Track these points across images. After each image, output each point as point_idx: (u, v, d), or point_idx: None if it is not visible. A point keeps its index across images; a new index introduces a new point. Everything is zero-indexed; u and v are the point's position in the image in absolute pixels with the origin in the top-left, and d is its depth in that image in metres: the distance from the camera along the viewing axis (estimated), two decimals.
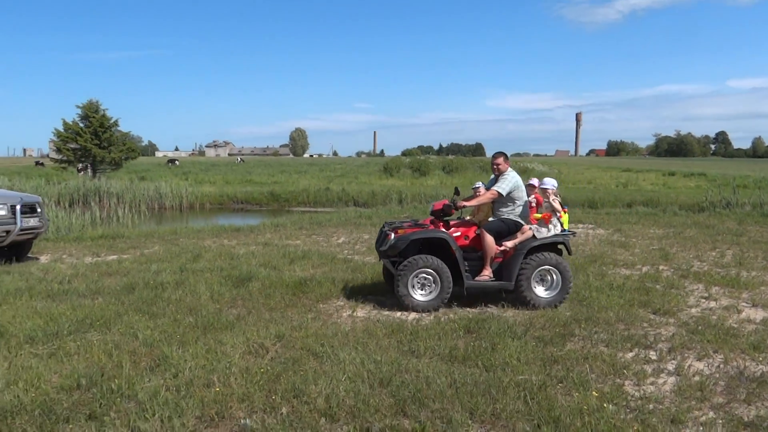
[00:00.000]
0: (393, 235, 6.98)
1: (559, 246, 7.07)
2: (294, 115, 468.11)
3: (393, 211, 20.17)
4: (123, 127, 41.65)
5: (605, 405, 4.00)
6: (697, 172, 49.67)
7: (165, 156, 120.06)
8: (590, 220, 16.45)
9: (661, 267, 9.31)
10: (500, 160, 7.16)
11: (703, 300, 7.27)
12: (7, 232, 9.58)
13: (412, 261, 6.70)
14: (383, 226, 7.43)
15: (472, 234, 7.04)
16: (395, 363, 4.74)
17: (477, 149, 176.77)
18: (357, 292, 7.54)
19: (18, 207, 9.80)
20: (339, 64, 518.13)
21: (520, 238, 6.88)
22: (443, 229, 6.96)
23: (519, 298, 6.83)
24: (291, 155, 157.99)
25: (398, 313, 6.61)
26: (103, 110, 39.83)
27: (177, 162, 72.28)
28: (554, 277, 6.83)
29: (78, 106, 39.54)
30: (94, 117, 39.02)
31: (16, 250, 10.40)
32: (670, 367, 4.92)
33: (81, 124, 39.31)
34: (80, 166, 41.76)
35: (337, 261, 9.83)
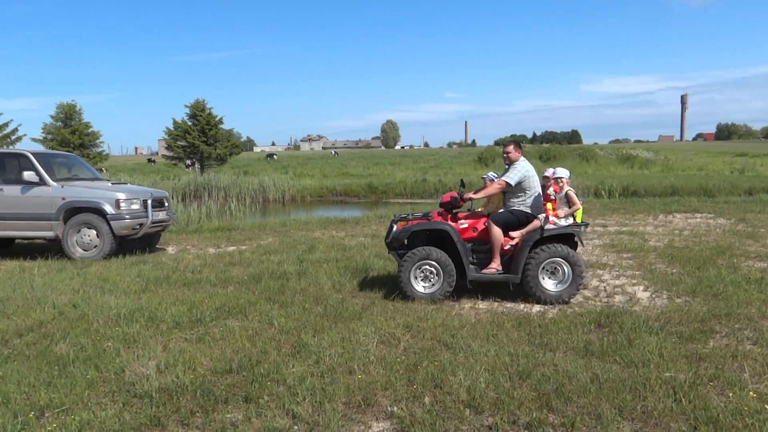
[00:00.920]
0: (395, 227, 7.03)
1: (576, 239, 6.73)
2: (385, 107, 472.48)
3: None
4: (226, 125, 43.61)
5: (767, 406, 3.76)
6: None
7: (263, 151, 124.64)
8: (708, 210, 15.51)
9: None
10: (510, 148, 7.02)
11: None
12: (141, 224, 10.31)
13: (415, 252, 6.69)
14: (393, 219, 7.36)
15: (481, 226, 6.89)
16: (531, 356, 4.68)
17: (573, 136, 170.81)
18: (475, 284, 7.50)
19: (149, 201, 10.51)
20: (429, 54, 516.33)
21: (526, 229, 6.68)
22: (446, 221, 6.87)
23: (527, 291, 6.61)
24: (383, 147, 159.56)
25: (521, 305, 6.53)
26: (209, 109, 41.96)
27: (275, 156, 74.82)
28: (565, 269, 6.55)
29: (186, 106, 41.89)
30: (201, 115, 41.19)
31: (147, 242, 11.17)
32: None
33: (189, 123, 41.62)
34: (188, 162, 44.23)
35: None
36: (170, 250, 11.48)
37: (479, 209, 7.62)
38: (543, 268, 6.57)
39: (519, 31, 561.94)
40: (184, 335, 5.42)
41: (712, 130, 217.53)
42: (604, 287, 7.33)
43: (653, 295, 6.81)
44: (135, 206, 10.27)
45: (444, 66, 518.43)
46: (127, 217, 10.09)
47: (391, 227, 7.19)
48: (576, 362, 4.58)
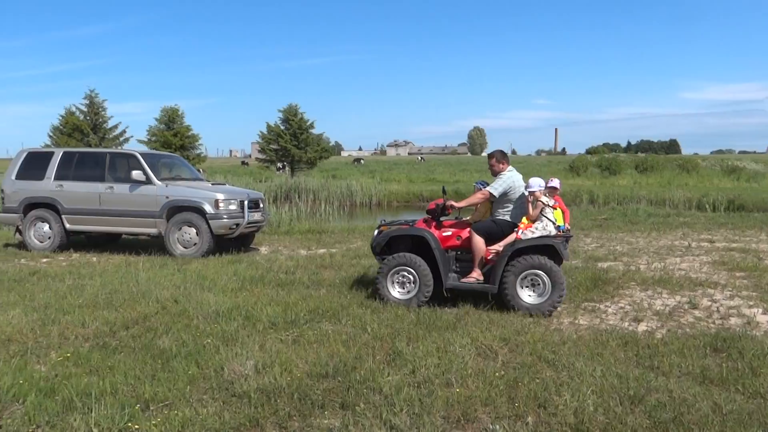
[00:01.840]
0: (376, 232, 7.13)
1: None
2: (471, 113, 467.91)
3: (590, 212, 19.11)
4: (316, 130, 44.58)
5: None
6: None
7: (350, 155, 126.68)
8: None
9: None
10: (492, 161, 7.04)
11: None
12: (237, 224, 10.61)
13: (393, 258, 6.77)
14: (378, 224, 7.41)
15: (465, 234, 6.81)
16: (641, 380, 4.36)
17: (671, 146, 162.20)
18: (572, 298, 7.16)
19: (246, 202, 10.81)
20: (518, 60, 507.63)
21: (506, 240, 6.58)
22: (426, 228, 6.87)
23: (505, 303, 6.45)
24: (469, 154, 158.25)
25: (625, 323, 6.14)
26: (301, 113, 43.02)
27: (362, 161, 75.82)
28: (545, 281, 6.34)
29: (279, 110, 43.16)
30: (293, 120, 42.30)
31: (242, 241, 11.49)
32: None
33: (282, 127, 42.86)
34: (279, 165, 45.55)
35: None
36: (263, 250, 11.75)
37: (467, 218, 7.46)
38: (522, 279, 6.42)
39: (613, 35, 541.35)
40: (280, 336, 5.46)
41: None
42: (717, 308, 6.80)
43: None
44: (232, 206, 10.58)
45: (534, 72, 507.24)
46: (225, 216, 10.41)
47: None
48: (693, 389, 4.21)
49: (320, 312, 6.24)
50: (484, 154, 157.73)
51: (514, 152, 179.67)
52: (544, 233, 6.48)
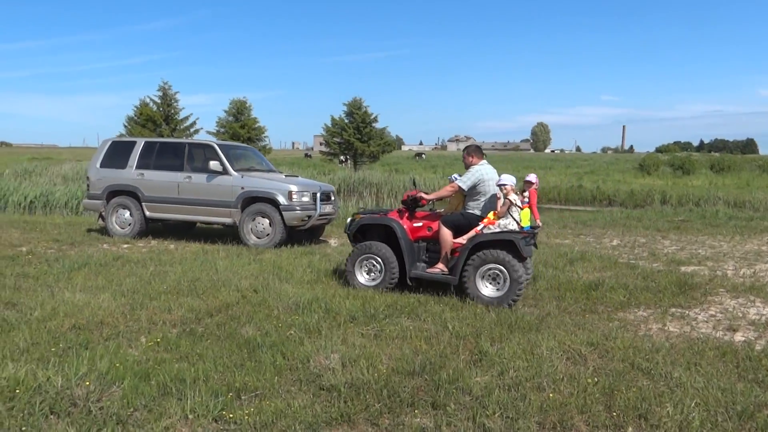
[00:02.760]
0: (349, 220, 7.48)
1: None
2: (535, 109, 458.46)
3: (665, 213, 18.37)
4: (380, 123, 44.74)
5: None
6: None
7: (411, 150, 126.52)
8: None
9: None
10: (464, 154, 7.33)
11: None
12: (309, 216, 10.71)
13: (362, 246, 7.14)
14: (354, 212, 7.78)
15: (436, 226, 7.01)
16: (748, 394, 4.09)
17: (747, 145, 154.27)
18: (658, 302, 6.86)
19: (318, 195, 10.89)
20: (585, 55, 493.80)
21: (470, 234, 6.69)
22: (396, 218, 7.10)
23: (465, 294, 6.58)
24: (532, 150, 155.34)
25: (719, 333, 5.82)
26: (365, 107, 43.26)
27: (424, 156, 75.63)
28: (504, 275, 6.46)
29: (344, 104, 43.54)
30: (357, 113, 42.60)
31: (312, 233, 11.60)
32: None
33: (346, 120, 43.23)
34: (342, 158, 45.98)
35: (621, 266, 9.12)
36: (332, 242, 11.83)
37: (441, 210, 7.65)
38: (482, 272, 6.55)
39: (686, 30, 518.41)
40: (361, 330, 5.44)
41: None
42: None
43: None
44: (305, 198, 10.68)
45: (601, 67, 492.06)
46: (297, 208, 10.52)
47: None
48: None
49: (398, 307, 6.18)
50: (548, 150, 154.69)
51: (578, 149, 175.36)
52: (503, 227, 6.57)
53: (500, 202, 6.69)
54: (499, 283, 6.51)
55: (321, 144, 48.37)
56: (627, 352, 4.94)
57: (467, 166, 7.14)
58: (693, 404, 3.88)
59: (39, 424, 3.53)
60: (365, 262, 7.12)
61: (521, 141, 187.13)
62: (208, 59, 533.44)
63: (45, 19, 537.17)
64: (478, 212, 6.92)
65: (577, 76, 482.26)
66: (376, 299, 6.43)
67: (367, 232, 7.38)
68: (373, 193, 29.24)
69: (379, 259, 7.00)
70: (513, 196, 6.62)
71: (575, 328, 5.67)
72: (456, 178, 7.36)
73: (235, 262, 8.65)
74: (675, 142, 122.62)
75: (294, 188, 10.59)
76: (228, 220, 10.91)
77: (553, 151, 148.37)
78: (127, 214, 11.42)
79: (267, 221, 10.57)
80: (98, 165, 11.76)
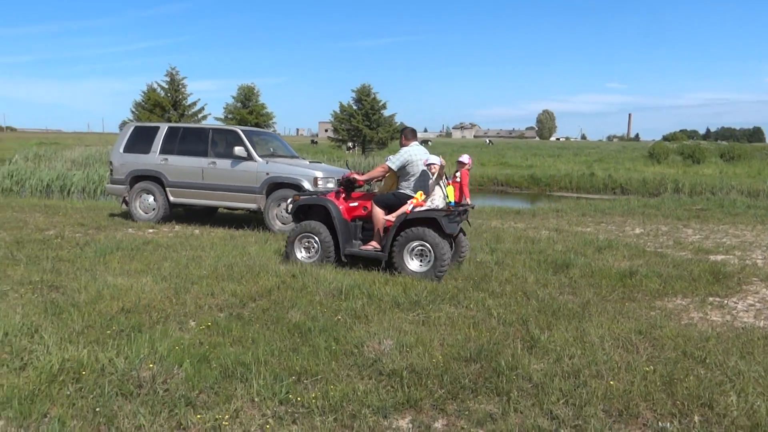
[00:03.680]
0: (289, 200, 7.93)
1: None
2: (540, 96, 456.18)
3: (683, 201, 18.31)
4: (388, 110, 44.59)
5: None
6: None
7: None
8: None
9: None
10: (401, 136, 7.70)
11: None
12: None
13: (300, 225, 7.55)
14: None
15: (370, 206, 7.38)
16: None
17: (754, 134, 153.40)
18: (694, 290, 6.86)
19: None
20: (589, 41, 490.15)
21: (397, 212, 7.08)
22: (330, 199, 7.50)
23: (394, 269, 7.00)
24: (537, 138, 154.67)
25: (761, 322, 5.82)
26: (374, 94, 43.12)
27: (430, 143, 75.30)
28: (429, 251, 6.88)
29: (353, 90, 43.41)
30: (366, 100, 42.46)
31: None
32: None
33: (354, 107, 43.10)
34: (350, 144, 45.93)
35: (649, 254, 9.11)
36: None
37: (377, 191, 7.98)
38: (409, 249, 6.98)
39: (691, 16, 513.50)
40: (407, 316, 5.44)
41: None
42: None
43: None
44: (330, 185, 10.65)
45: (606, 54, 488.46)
46: None
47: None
48: None
49: (439, 294, 6.19)
50: (553, 138, 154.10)
51: (584, 137, 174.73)
52: (432, 207, 6.96)
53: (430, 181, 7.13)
54: (425, 259, 6.94)
55: (326, 131, 48.43)
56: (677, 340, 4.95)
57: (402, 147, 7.50)
58: (756, 393, 3.89)
59: (110, 405, 3.55)
60: (304, 240, 7.52)
61: (526, 128, 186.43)
62: (213, 45, 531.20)
63: (49, 3, 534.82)
64: (409, 192, 7.29)
65: (582, 63, 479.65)
66: (416, 285, 6.44)
67: (309, 212, 7.76)
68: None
69: (316, 238, 7.40)
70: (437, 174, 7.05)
71: (618, 315, 5.67)
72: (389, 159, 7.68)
73: (265, 248, 8.66)
74: (681, 131, 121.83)
75: (319, 174, 10.57)
76: (252, 206, 10.91)
77: (558, 139, 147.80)
78: (151, 199, 11.43)
79: None
80: (121, 150, 11.74)
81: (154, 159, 11.40)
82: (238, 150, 10.75)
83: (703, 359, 4.54)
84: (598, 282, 7.10)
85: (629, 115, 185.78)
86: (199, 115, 43.97)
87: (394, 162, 7.34)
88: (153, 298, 5.73)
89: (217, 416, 3.48)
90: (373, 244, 7.28)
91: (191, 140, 11.42)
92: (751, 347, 4.86)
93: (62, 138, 73.03)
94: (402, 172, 7.36)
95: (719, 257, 9.10)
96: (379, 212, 7.21)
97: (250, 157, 10.84)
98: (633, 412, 3.67)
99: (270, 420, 3.50)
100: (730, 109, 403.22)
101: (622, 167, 37.19)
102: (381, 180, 7.93)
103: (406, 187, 7.34)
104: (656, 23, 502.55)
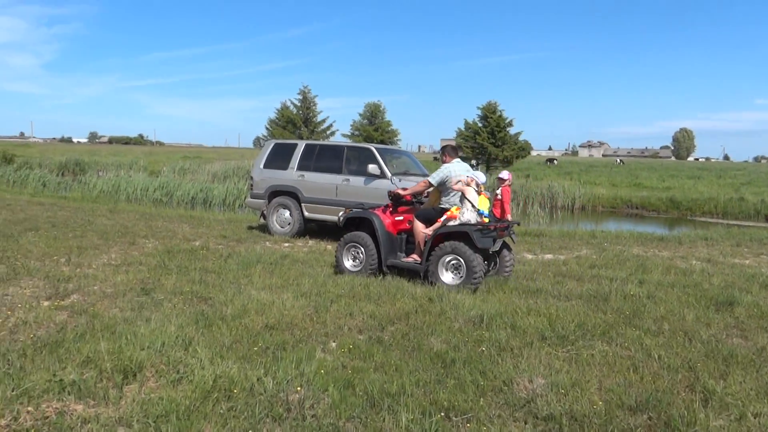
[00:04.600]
0: (341, 213, 8.43)
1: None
2: (676, 114, 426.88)
3: None
4: (514, 128, 43.60)
5: None
6: None
7: (539, 155, 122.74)
8: None
9: None
10: (443, 153, 7.97)
11: None
12: None
13: (348, 235, 7.95)
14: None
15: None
16: None
17: None
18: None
19: None
20: (734, 55, 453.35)
21: (433, 226, 7.44)
22: (375, 212, 7.94)
23: (429, 280, 7.28)
24: (673, 158, 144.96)
25: None
26: (500, 111, 42.44)
27: (555, 161, 72.95)
28: (461, 264, 7.10)
29: (478, 107, 43.01)
30: (491, 117, 41.87)
31: None
32: None
33: (479, 124, 42.65)
34: (473, 162, 45.45)
35: None
36: None
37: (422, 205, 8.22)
38: (443, 262, 7.25)
39: None
40: (555, 352, 5.06)
41: None
42: None
43: None
44: None
45: (753, 68, 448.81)
46: None
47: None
48: None
49: (588, 328, 5.73)
50: (692, 158, 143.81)
51: (727, 158, 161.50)
52: (463, 221, 7.27)
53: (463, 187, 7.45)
54: (459, 272, 7.18)
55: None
56: None
57: (443, 164, 7.87)
58: None
59: (261, 428, 3.53)
60: (351, 249, 7.95)
61: (661, 148, 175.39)
62: (339, 65, 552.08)
63: (197, 30, 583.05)
64: (447, 206, 7.61)
65: (726, 78, 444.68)
66: (560, 317, 6.02)
67: (360, 224, 8.12)
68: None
69: (361, 248, 7.77)
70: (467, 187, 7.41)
71: None
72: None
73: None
74: None
75: None
76: None
77: (697, 159, 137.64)
78: (287, 213, 11.81)
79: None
80: (262, 166, 12.26)
81: (291, 175, 11.78)
82: (372, 168, 10.83)
83: None
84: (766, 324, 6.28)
85: None
86: (328, 132, 45.63)
87: (434, 177, 7.70)
88: (294, 315, 5.78)
89: None
90: (414, 257, 7.67)
91: (327, 157, 11.69)
92: None
93: (203, 152, 78.80)
94: (442, 188, 7.71)
95: None
96: (419, 226, 7.60)
97: (383, 175, 10.88)
98: None
99: None
100: None
101: None
102: (427, 195, 8.27)
103: (446, 202, 7.68)
104: None
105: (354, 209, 8.34)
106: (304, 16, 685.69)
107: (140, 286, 6.79)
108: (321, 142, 12.76)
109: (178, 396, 3.81)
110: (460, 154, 8.13)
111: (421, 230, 7.54)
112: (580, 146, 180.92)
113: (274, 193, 11.99)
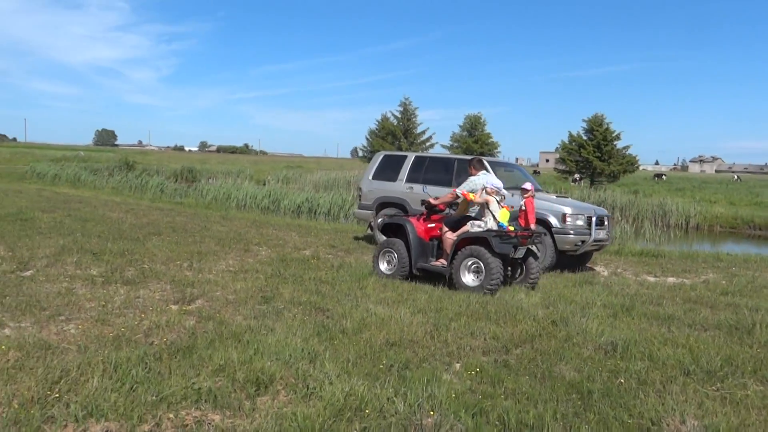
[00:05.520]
0: (380, 219, 9.32)
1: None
2: None
3: None
4: (622, 141, 41.60)
5: None
6: None
7: (645, 169, 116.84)
8: None
9: None
10: (470, 166, 8.81)
11: None
12: (582, 242, 9.95)
13: (383, 241, 8.60)
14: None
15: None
16: None
17: None
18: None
19: (593, 219, 10.08)
20: None
21: (458, 232, 7.95)
22: (408, 220, 8.56)
23: (452, 282, 7.79)
24: None
25: None
26: (607, 124, 40.74)
27: (664, 177, 69.17)
28: (481, 267, 7.53)
29: (584, 120, 41.51)
30: (597, 130, 40.27)
31: (579, 259, 10.79)
32: None
33: (584, 137, 41.13)
34: (576, 176, 43.81)
35: None
36: (599, 270, 10.90)
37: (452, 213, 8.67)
38: (465, 265, 7.74)
39: None
40: (704, 390, 4.59)
41: None
42: None
43: None
44: (579, 222, 9.97)
45: None
46: (571, 232, 9.85)
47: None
48: None
49: (737, 364, 5.19)
50: None
51: None
52: (485, 227, 7.76)
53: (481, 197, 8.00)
54: (479, 275, 7.60)
55: (547, 161, 46.93)
56: None
57: (470, 176, 8.59)
58: None
59: None
60: (386, 254, 8.49)
61: None
62: (437, 77, 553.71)
63: (301, 44, 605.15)
64: (472, 214, 8.19)
65: None
66: (702, 349, 5.50)
67: (397, 230, 8.64)
68: (615, 215, 27.15)
69: (395, 253, 8.25)
70: (492, 198, 7.89)
71: None
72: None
73: (514, 286, 8.25)
74: None
75: (568, 210, 9.94)
76: None
77: None
78: None
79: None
80: (370, 177, 12.31)
81: (400, 187, 11.74)
82: None
83: None
84: None
85: None
86: (427, 144, 45.64)
87: (461, 188, 8.33)
88: (415, 332, 5.64)
89: None
90: (441, 261, 8.15)
91: (436, 170, 11.55)
92: None
93: (304, 162, 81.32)
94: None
95: None
96: (447, 232, 8.13)
97: None
98: None
99: None
100: None
101: None
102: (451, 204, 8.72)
103: (472, 211, 8.25)
104: None
105: (390, 216, 9.18)
106: (404, 30, 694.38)
107: (260, 294, 6.91)
108: (431, 154, 12.65)
109: (310, 412, 3.75)
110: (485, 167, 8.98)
111: (448, 236, 8.05)
112: (690, 161, 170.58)
113: (383, 204, 11.99)
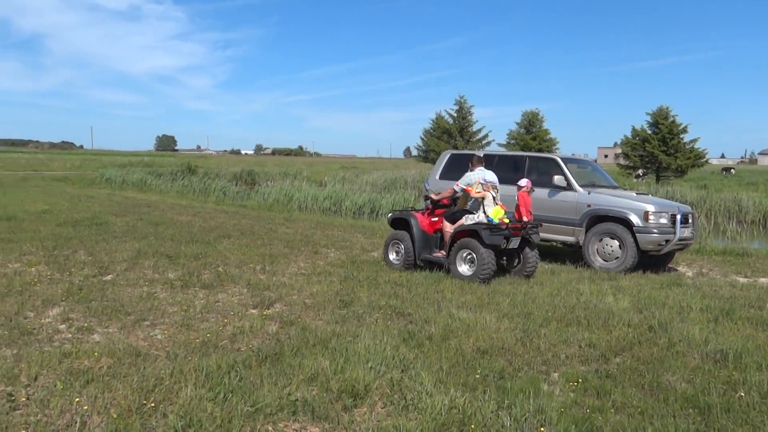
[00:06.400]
0: (390, 214, 9.74)
1: None
2: None
3: None
4: (689, 134, 39.79)
5: None
6: None
7: (710, 162, 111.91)
8: None
9: None
10: (469, 162, 8.86)
11: None
12: (667, 241, 9.43)
13: (391, 234, 9.14)
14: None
15: None
16: None
17: None
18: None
19: (678, 217, 9.54)
20: None
21: (455, 225, 8.47)
22: (412, 214, 9.08)
23: (448, 271, 8.30)
24: None
25: None
26: (673, 117, 39.12)
27: (733, 171, 66.12)
28: (474, 257, 8.01)
29: (648, 113, 39.98)
30: (663, 124, 38.73)
31: (662, 259, 10.24)
32: None
33: (649, 131, 39.62)
34: (640, 171, 42.26)
35: None
36: (683, 270, 10.33)
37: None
38: (461, 255, 8.17)
39: None
40: None
41: None
42: None
43: None
44: (663, 220, 9.44)
45: None
46: (654, 231, 9.34)
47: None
48: None
49: None
50: None
51: None
52: (477, 220, 8.16)
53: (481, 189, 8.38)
54: (473, 265, 8.00)
55: (606, 156, 45.30)
56: None
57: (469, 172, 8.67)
58: None
59: None
60: (394, 245, 9.03)
61: None
62: (492, 74, 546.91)
63: (352, 45, 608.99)
64: (470, 208, 8.50)
65: None
66: None
67: (405, 224, 9.07)
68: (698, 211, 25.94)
69: (401, 244, 8.79)
70: (487, 194, 8.32)
71: None
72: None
73: (593, 288, 7.85)
74: None
75: (651, 208, 9.43)
76: (570, 239, 10.20)
77: None
78: None
79: (616, 243, 9.58)
80: (437, 176, 12.05)
81: None
82: (558, 179, 10.18)
83: None
84: None
85: None
86: (483, 142, 44.95)
87: (458, 184, 8.56)
88: (505, 339, 5.37)
89: None
90: (442, 252, 8.64)
91: (506, 168, 11.14)
92: None
93: (358, 162, 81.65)
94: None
95: None
96: (447, 225, 8.63)
97: (570, 187, 10.19)
98: None
99: None
100: None
101: None
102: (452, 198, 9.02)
103: (470, 206, 8.54)
104: None
105: (397, 210, 10.31)
106: (454, 28, 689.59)
107: (338, 298, 6.78)
108: (500, 151, 12.31)
109: (411, 425, 3.56)
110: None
111: (446, 229, 8.57)
112: (760, 153, 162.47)
113: None
